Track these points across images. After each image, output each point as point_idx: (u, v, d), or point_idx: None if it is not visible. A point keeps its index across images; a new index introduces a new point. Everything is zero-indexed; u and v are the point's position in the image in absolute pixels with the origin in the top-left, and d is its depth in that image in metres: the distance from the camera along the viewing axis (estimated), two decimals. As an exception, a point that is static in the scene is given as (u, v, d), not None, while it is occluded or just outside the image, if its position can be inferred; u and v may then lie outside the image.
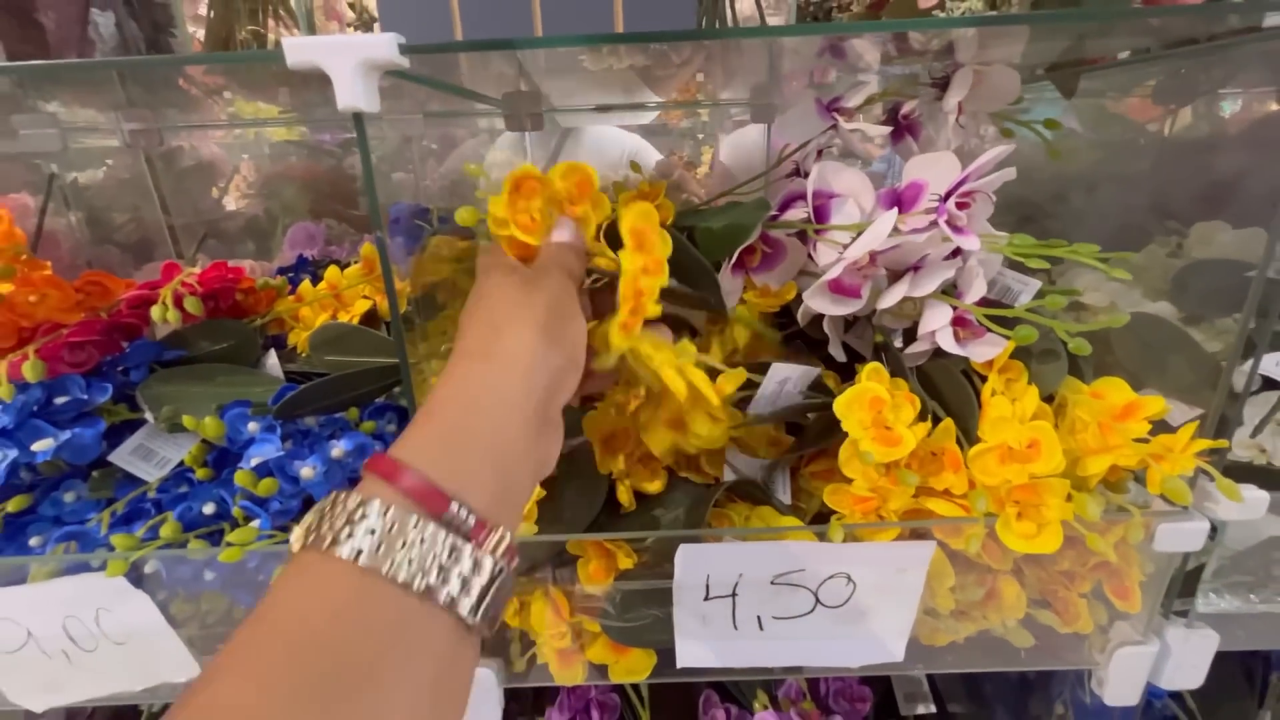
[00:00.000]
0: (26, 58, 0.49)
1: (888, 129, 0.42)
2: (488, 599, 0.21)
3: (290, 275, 0.62)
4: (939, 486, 0.34)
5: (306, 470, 0.37)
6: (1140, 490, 0.37)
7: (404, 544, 0.19)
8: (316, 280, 0.56)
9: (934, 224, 0.37)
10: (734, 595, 0.35)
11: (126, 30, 0.69)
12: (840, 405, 0.34)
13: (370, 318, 0.55)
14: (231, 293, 0.50)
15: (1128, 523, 0.33)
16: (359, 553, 0.19)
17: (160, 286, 0.45)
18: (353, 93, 0.25)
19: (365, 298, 0.54)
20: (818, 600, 0.35)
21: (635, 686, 0.59)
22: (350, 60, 0.25)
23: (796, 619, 0.36)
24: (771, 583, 0.35)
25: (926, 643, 0.40)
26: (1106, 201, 0.78)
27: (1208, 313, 0.56)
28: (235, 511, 0.37)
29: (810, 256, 0.42)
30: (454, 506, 0.21)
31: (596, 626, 0.37)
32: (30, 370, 0.39)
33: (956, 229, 0.36)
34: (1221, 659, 0.55)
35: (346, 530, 0.19)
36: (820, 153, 0.49)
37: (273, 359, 0.50)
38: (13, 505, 0.39)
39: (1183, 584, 0.38)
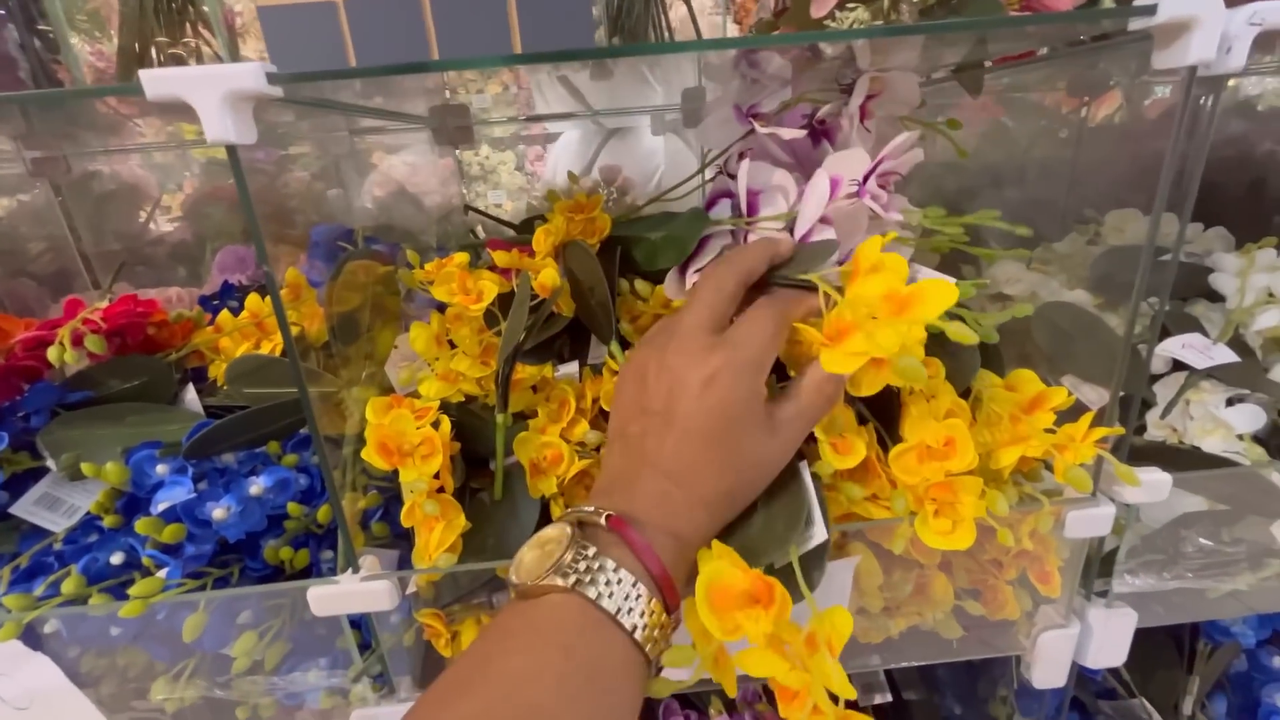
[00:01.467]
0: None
1: (802, 132, 0.43)
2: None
3: (215, 303, 0.59)
4: (868, 491, 0.35)
5: (219, 512, 0.36)
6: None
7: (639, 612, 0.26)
8: (239, 309, 0.54)
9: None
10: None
11: (29, 46, 0.66)
12: None
13: (301, 348, 0.53)
14: (141, 327, 0.48)
15: (1038, 513, 0.34)
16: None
17: (61, 325, 0.43)
18: (222, 126, 0.24)
19: (294, 324, 0.53)
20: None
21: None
22: (215, 93, 0.24)
23: (730, 629, 0.36)
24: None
25: (863, 640, 0.41)
26: (1032, 193, 0.80)
27: (1123, 298, 0.58)
28: (145, 561, 0.35)
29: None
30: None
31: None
32: (-88, 423, 0.37)
33: (881, 205, 0.37)
34: (1151, 631, 0.57)
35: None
36: (741, 155, 0.49)
37: (191, 394, 0.48)
38: (-99, 569, 0.37)
39: (1100, 566, 0.40)
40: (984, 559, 0.41)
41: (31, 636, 0.33)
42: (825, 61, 0.42)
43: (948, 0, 0.31)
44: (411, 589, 0.37)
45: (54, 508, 0.40)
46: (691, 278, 0.43)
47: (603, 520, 0.27)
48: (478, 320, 0.45)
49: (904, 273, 0.30)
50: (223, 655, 0.36)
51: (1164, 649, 0.56)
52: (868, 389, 0.31)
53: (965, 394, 0.39)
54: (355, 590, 0.33)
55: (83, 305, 0.45)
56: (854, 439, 0.33)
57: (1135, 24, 0.27)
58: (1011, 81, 0.73)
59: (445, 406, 0.42)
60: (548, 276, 0.44)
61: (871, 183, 0.36)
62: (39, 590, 0.34)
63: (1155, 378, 0.51)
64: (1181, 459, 0.43)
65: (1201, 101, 0.30)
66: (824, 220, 0.38)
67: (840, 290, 0.30)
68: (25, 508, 0.40)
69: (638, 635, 0.26)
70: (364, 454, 0.33)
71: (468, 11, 0.31)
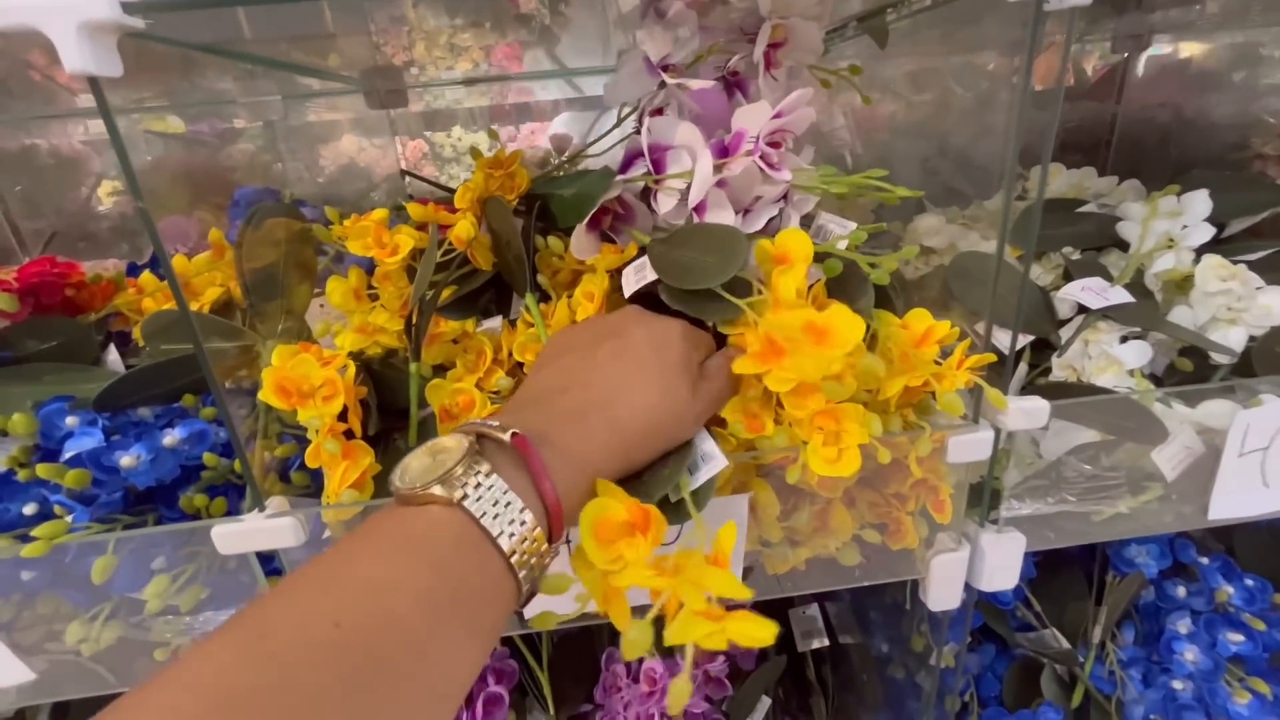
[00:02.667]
0: None
1: (710, 83, 0.44)
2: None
3: (136, 270, 0.59)
4: (769, 434, 0.36)
5: (127, 460, 0.36)
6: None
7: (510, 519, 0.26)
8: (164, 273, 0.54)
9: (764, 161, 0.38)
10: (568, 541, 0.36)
11: None
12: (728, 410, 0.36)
13: (226, 306, 0.53)
14: (59, 288, 0.47)
15: (921, 437, 0.36)
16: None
17: (-28, 286, 0.43)
18: (80, 56, 0.24)
19: (218, 285, 0.53)
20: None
21: (535, 653, 0.60)
22: (69, 22, 0.24)
23: (634, 559, 0.37)
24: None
25: (771, 571, 0.42)
26: (964, 149, 0.82)
27: (1045, 248, 0.60)
28: (56, 509, 0.36)
29: (652, 210, 0.43)
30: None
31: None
32: None
33: (771, 165, 0.38)
34: (1063, 565, 0.60)
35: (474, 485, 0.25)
36: (658, 111, 0.50)
37: (114, 355, 0.48)
38: None
39: (992, 495, 0.42)
40: (888, 493, 0.43)
41: (-61, 582, 0.33)
42: (728, 7, 0.42)
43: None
44: (326, 533, 0.38)
45: (-30, 465, 0.41)
46: (590, 241, 0.44)
47: (506, 436, 0.27)
48: (401, 275, 0.46)
49: (809, 258, 0.33)
50: (140, 599, 0.37)
51: (1074, 582, 0.59)
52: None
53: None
54: (261, 527, 0.34)
55: (-3, 267, 0.45)
56: (764, 416, 0.34)
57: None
58: (946, 39, 0.75)
59: (367, 362, 0.43)
60: (461, 228, 0.44)
61: (761, 141, 0.37)
62: (-53, 539, 0.35)
63: (1064, 323, 0.53)
64: (1079, 395, 0.46)
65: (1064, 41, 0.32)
66: (720, 184, 0.39)
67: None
68: (-60, 465, 0.40)
69: (514, 560, 0.25)
70: (260, 395, 0.33)
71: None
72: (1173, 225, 0.53)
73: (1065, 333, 0.51)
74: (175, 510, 0.39)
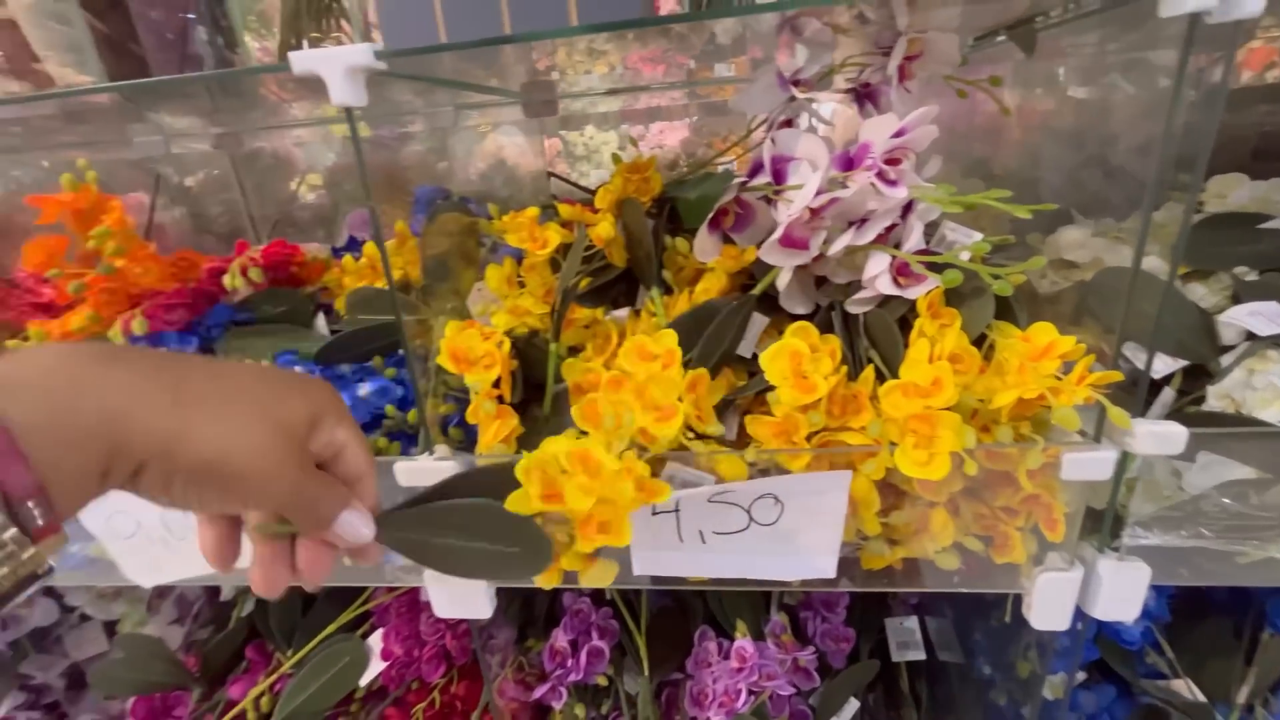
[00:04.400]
0: (127, 78, 0.60)
1: (838, 97, 0.46)
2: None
3: (341, 253, 0.72)
4: (856, 425, 0.38)
5: (336, 403, 0.46)
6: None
7: None
8: (360, 256, 0.65)
9: (880, 177, 0.40)
10: (676, 511, 0.41)
11: (214, 42, 0.81)
12: (765, 358, 0.39)
13: (404, 286, 0.63)
14: (288, 265, 0.60)
15: (1031, 450, 0.36)
16: None
17: (232, 260, 0.56)
18: (343, 92, 0.32)
19: (399, 268, 0.63)
20: (751, 518, 0.40)
21: (634, 615, 0.66)
22: (339, 67, 0.32)
23: (734, 534, 0.41)
24: (709, 501, 0.40)
25: (866, 567, 0.44)
26: (1121, 160, 0.76)
27: (1217, 266, 0.55)
28: (284, 436, 0.46)
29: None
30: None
31: (565, 536, 0.44)
32: (137, 325, 0.50)
33: (888, 181, 0.40)
34: (1208, 614, 0.55)
35: None
36: (790, 122, 0.52)
37: (321, 320, 0.59)
38: (127, 431, 0.51)
39: (1115, 521, 0.40)
40: (995, 505, 0.43)
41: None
42: (864, 23, 0.44)
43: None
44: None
45: (225, 399, 0.53)
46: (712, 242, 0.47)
47: None
48: (545, 266, 0.53)
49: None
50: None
51: (1220, 635, 0.54)
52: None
53: (980, 341, 0.41)
54: (430, 466, 0.42)
55: (247, 246, 0.58)
56: (817, 379, 0.36)
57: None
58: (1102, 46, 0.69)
59: (515, 340, 0.51)
60: (602, 228, 0.50)
61: (879, 159, 0.39)
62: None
63: (1227, 350, 0.49)
64: (1231, 427, 0.42)
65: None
66: (816, 215, 0.41)
67: None
68: (206, 396, 0.53)
69: None
70: (438, 359, 0.41)
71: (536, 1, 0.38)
72: (1379, 247, 0.46)
73: (1228, 360, 0.47)
74: (364, 448, 0.48)
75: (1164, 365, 0.48)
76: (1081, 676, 0.56)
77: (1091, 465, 0.36)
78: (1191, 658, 0.54)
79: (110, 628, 0.75)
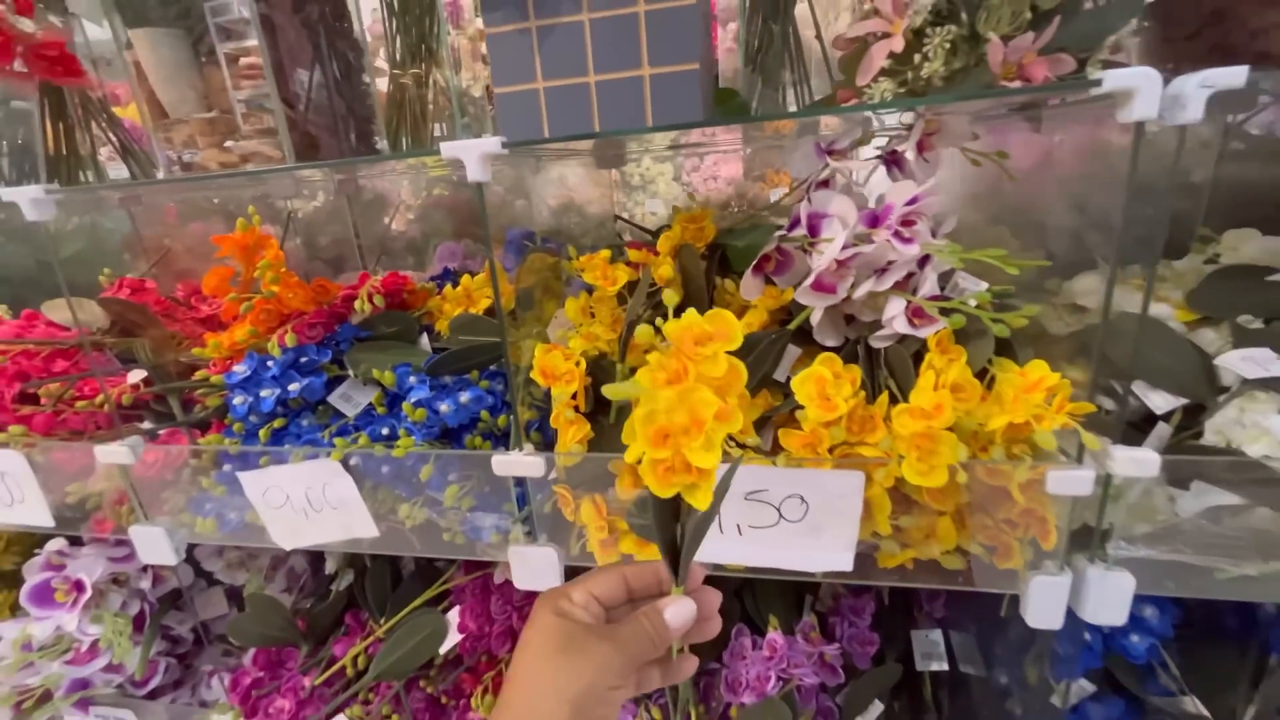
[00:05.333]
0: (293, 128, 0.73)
1: (865, 163, 0.54)
2: None
3: (438, 281, 0.84)
4: (871, 441, 0.46)
5: (444, 407, 0.57)
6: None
7: None
8: (456, 285, 0.77)
9: (896, 236, 0.49)
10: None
11: (330, 91, 0.95)
12: (795, 382, 0.47)
13: (491, 311, 0.75)
14: (400, 293, 0.72)
15: (1018, 467, 0.43)
16: None
17: (358, 289, 0.69)
18: (476, 172, 0.44)
19: (488, 297, 0.75)
20: (781, 515, 0.48)
21: (677, 608, 0.73)
22: (475, 154, 0.43)
23: (766, 529, 0.49)
24: (745, 498, 0.48)
25: (881, 565, 0.51)
26: (1146, 215, 0.81)
27: (1226, 314, 0.60)
28: (400, 431, 0.58)
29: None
30: None
31: (625, 524, 0.53)
32: (289, 339, 0.63)
33: (904, 240, 0.48)
34: (1217, 637, 0.59)
35: None
36: (827, 183, 0.61)
37: (424, 339, 0.71)
38: (276, 424, 0.63)
39: (1103, 535, 0.46)
40: (999, 518, 0.49)
41: (344, 466, 0.56)
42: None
43: (963, 69, 0.41)
44: (553, 475, 0.55)
45: (348, 401, 0.65)
46: (755, 284, 0.56)
47: None
48: (613, 299, 0.63)
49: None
50: (438, 498, 0.57)
51: (1227, 658, 0.57)
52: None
53: (983, 375, 0.48)
54: (520, 460, 0.52)
55: (368, 277, 0.71)
56: (838, 401, 0.44)
57: (1095, 91, 0.36)
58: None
59: (588, 360, 0.61)
60: (663, 270, 0.60)
61: (895, 221, 0.47)
62: (347, 441, 0.58)
63: (1225, 391, 0.54)
64: (1223, 461, 0.48)
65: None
66: (843, 265, 0.49)
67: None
68: (335, 398, 0.65)
69: None
70: (531, 374, 0.51)
71: (618, 97, 0.48)
72: (1370, 302, 0.51)
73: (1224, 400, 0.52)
74: (461, 445, 0.59)
75: (1165, 402, 0.53)
76: (1092, 689, 0.60)
77: (1073, 482, 0.43)
78: (1199, 678, 0.57)
79: (230, 595, 0.88)
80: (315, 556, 0.89)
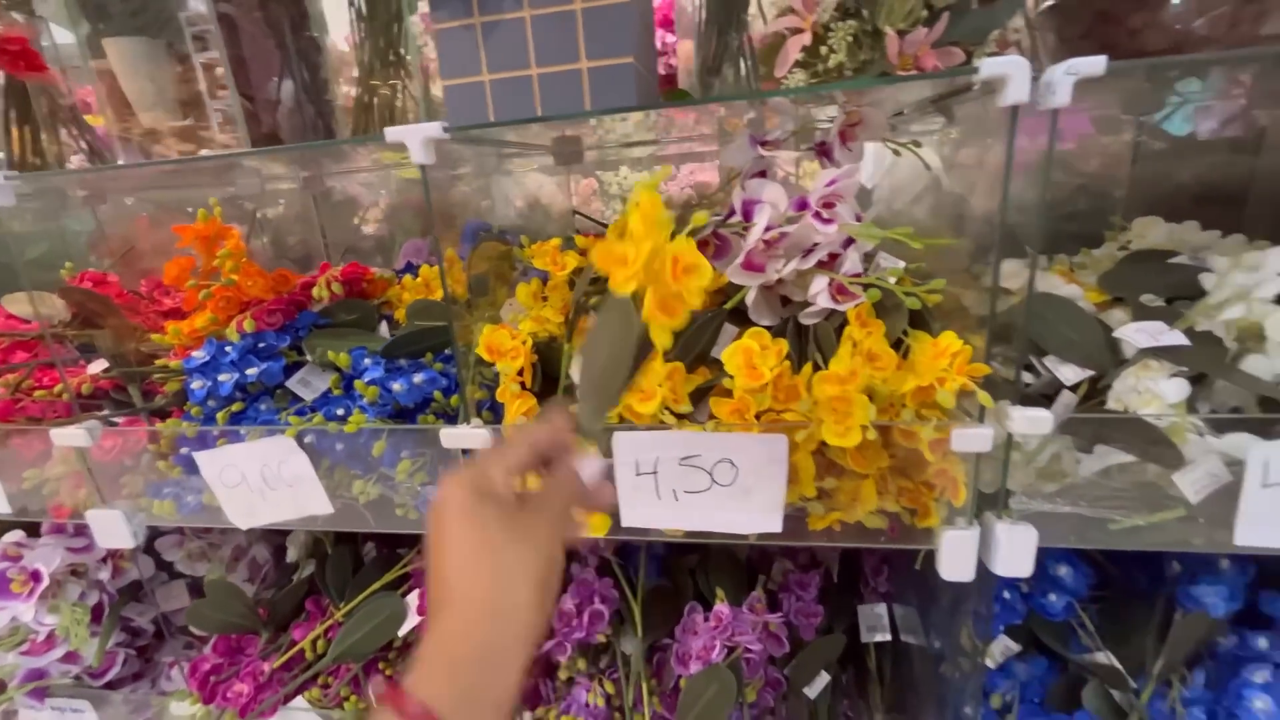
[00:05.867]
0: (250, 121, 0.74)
1: (795, 153, 0.58)
2: None
3: (400, 274, 0.86)
4: (794, 407, 0.49)
5: (397, 386, 0.59)
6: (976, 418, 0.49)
7: None
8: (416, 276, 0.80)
9: (816, 216, 0.52)
10: (655, 473, 0.52)
11: (299, 98, 0.97)
12: (725, 354, 0.50)
13: (453, 299, 0.77)
14: (360, 282, 0.74)
15: (926, 425, 0.46)
16: None
17: (319, 277, 0.71)
18: (419, 154, 0.46)
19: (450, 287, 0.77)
20: (713, 479, 0.51)
21: (632, 585, 0.76)
22: (419, 137, 0.46)
23: (700, 493, 0.52)
24: (680, 464, 0.51)
25: (812, 527, 0.54)
26: (1067, 205, 0.86)
27: (1133, 294, 0.64)
28: (355, 411, 0.60)
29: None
30: None
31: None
32: (248, 325, 0.65)
33: (824, 220, 0.52)
34: (1132, 598, 0.63)
35: None
36: (764, 173, 0.65)
37: (384, 327, 0.73)
38: (235, 408, 0.65)
39: (1007, 493, 0.50)
40: (918, 480, 0.53)
41: (299, 443, 0.58)
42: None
43: (869, 61, 0.45)
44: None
45: (307, 386, 0.67)
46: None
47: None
48: (565, 286, 0.65)
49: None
50: (392, 474, 0.59)
51: (1141, 614, 0.61)
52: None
53: (898, 345, 0.52)
54: (469, 433, 0.54)
55: (329, 267, 0.73)
56: (764, 370, 0.47)
57: (975, 78, 0.40)
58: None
59: (537, 342, 0.63)
60: (609, 255, 0.63)
61: (815, 203, 0.51)
62: (301, 420, 0.60)
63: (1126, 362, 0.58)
64: (1119, 423, 0.52)
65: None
66: (771, 246, 0.53)
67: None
68: (294, 383, 0.67)
69: None
70: (478, 350, 0.54)
71: (558, 89, 0.52)
72: (1250, 279, 0.55)
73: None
74: (415, 423, 0.61)
75: (1075, 374, 0.57)
76: (1018, 648, 0.63)
77: (974, 439, 0.46)
78: (1114, 634, 0.61)
79: (193, 588, 0.88)
80: (277, 548, 0.90)
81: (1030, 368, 0.59)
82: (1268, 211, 0.75)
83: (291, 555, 0.86)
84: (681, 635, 0.72)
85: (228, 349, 0.64)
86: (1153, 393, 0.52)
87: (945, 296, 0.56)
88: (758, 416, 0.50)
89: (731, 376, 0.50)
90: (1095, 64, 0.39)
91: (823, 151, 0.62)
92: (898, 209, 0.80)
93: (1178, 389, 0.50)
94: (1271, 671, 0.56)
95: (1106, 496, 0.50)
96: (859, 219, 0.56)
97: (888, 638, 0.75)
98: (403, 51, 0.91)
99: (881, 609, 0.77)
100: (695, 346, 0.56)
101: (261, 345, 0.66)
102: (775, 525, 0.52)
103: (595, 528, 0.56)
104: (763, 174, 0.64)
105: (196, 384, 0.63)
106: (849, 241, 0.55)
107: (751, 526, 0.52)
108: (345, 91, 1.01)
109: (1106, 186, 0.89)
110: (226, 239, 0.69)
